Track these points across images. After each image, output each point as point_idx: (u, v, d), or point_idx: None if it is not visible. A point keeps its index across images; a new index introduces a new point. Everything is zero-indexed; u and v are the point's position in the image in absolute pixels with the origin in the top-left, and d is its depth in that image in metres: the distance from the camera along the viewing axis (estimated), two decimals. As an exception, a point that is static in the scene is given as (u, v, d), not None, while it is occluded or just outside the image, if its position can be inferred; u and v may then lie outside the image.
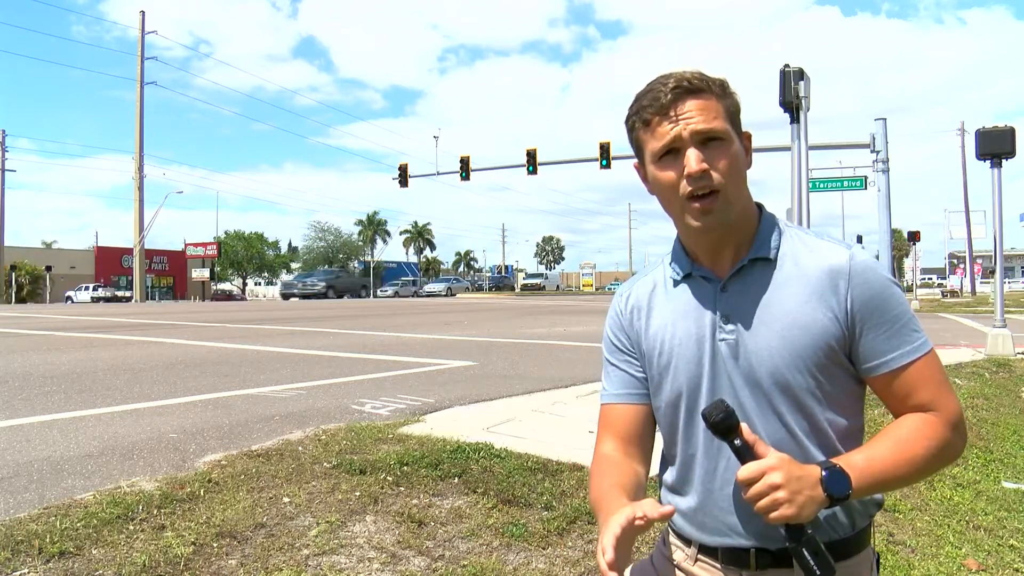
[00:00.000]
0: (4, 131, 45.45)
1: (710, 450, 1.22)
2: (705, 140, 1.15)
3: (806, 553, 1.07)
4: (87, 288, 46.80)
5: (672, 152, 1.17)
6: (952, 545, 3.25)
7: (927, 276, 74.40)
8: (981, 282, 48.78)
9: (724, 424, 1.10)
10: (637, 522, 1.05)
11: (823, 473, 1.09)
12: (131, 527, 2.78)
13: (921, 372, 1.18)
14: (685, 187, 1.16)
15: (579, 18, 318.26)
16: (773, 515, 1.05)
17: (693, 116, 1.15)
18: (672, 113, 1.16)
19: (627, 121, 1.24)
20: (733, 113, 1.20)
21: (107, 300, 43.64)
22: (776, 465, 1.06)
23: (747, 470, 1.07)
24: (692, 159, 1.14)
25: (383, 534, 2.84)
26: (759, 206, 1.27)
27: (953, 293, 45.44)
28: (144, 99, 45.97)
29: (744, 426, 1.12)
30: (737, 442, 1.10)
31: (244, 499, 3.10)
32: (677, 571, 1.30)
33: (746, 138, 1.23)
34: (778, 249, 1.22)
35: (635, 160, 1.29)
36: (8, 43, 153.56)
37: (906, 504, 3.68)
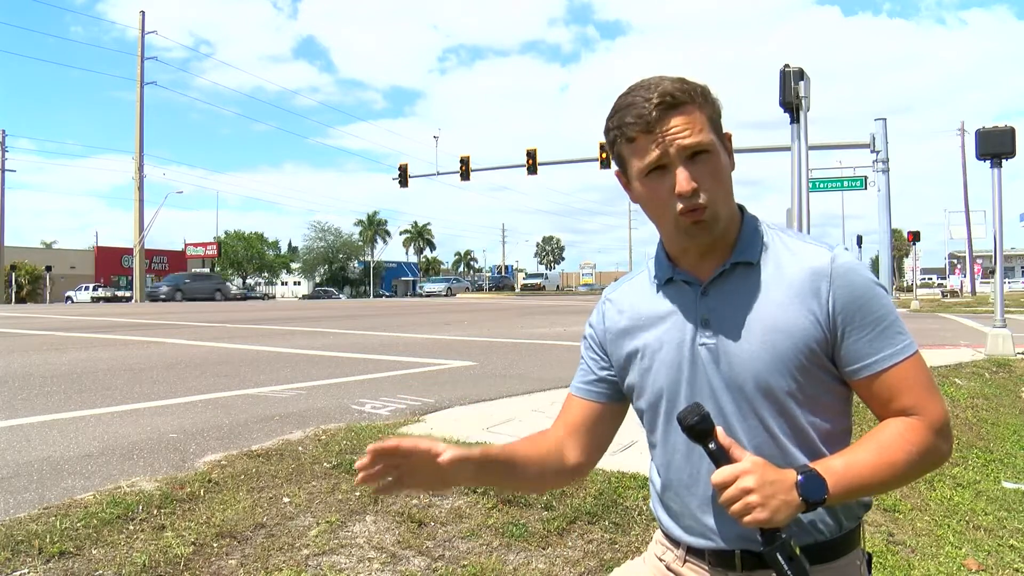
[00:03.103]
0: (4, 131, 45.46)
1: (692, 454, 1.21)
2: (692, 155, 1.14)
3: (780, 558, 1.06)
4: (87, 288, 46.77)
5: (659, 168, 1.15)
6: (952, 545, 3.26)
7: (927, 276, 74.32)
8: (981, 282, 48.76)
9: (699, 427, 1.09)
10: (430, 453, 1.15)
11: (799, 478, 1.08)
12: (131, 527, 2.78)
13: (905, 375, 1.16)
14: (675, 205, 1.15)
15: (578, 18, 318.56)
16: (746, 519, 1.05)
17: (679, 132, 1.13)
18: (657, 130, 1.13)
19: (608, 133, 1.21)
20: (715, 120, 1.18)
21: (107, 300, 43.66)
22: (749, 469, 1.06)
23: (720, 474, 1.07)
24: (682, 179, 1.13)
25: (383, 534, 2.84)
26: (741, 208, 1.26)
27: (953, 293, 45.41)
28: (144, 99, 45.86)
29: (719, 429, 1.11)
30: (712, 445, 1.10)
31: (244, 499, 3.10)
32: (667, 572, 1.31)
33: (727, 139, 1.21)
34: (760, 252, 1.21)
35: (616, 168, 1.27)
36: (8, 43, 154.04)
37: (906, 504, 3.68)
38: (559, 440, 1.35)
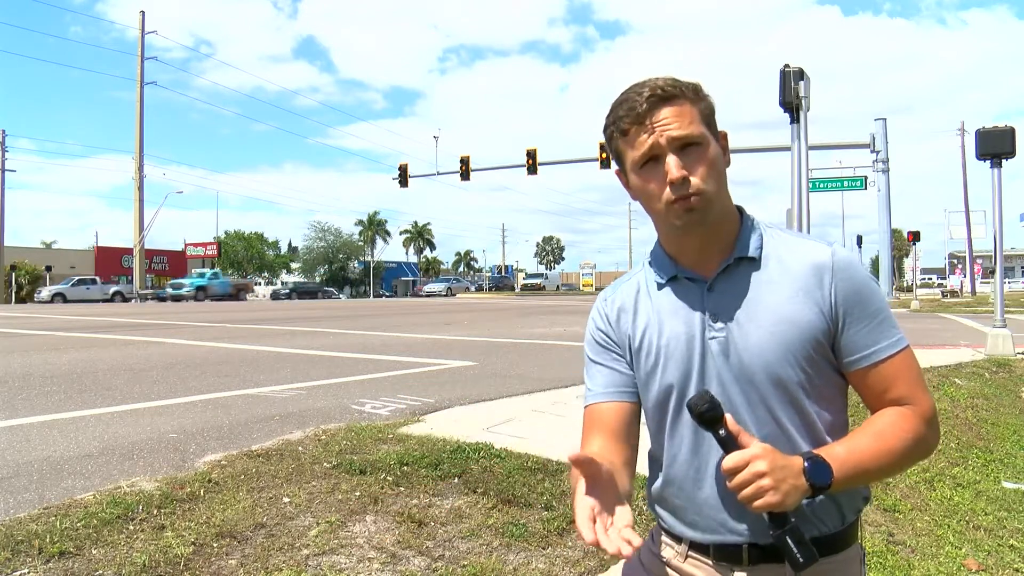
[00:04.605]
0: (4, 131, 45.44)
1: (699, 448, 1.24)
2: (683, 146, 1.17)
3: (790, 541, 1.08)
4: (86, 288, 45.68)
5: (652, 160, 1.19)
6: (952, 545, 3.26)
7: (927, 276, 74.37)
8: (981, 282, 48.78)
9: (709, 414, 1.11)
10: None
11: (805, 463, 1.11)
12: (131, 527, 2.78)
13: (899, 367, 1.21)
14: (668, 194, 1.18)
15: (578, 18, 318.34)
16: (758, 503, 1.07)
17: (670, 123, 1.17)
18: (648, 122, 1.18)
19: (605, 130, 1.26)
20: (708, 115, 1.22)
21: (108, 300, 43.19)
22: (760, 454, 1.08)
23: (732, 459, 1.09)
24: (672, 166, 1.16)
25: (383, 534, 2.84)
26: (739, 209, 1.30)
27: (953, 293, 45.42)
28: (144, 99, 46.03)
29: (728, 416, 1.13)
30: (722, 432, 1.12)
31: (244, 499, 3.10)
32: (667, 569, 1.31)
33: (722, 137, 1.25)
34: (761, 248, 1.25)
35: (615, 167, 1.30)
36: (8, 43, 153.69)
37: (906, 504, 3.68)
38: (615, 455, 1.25)
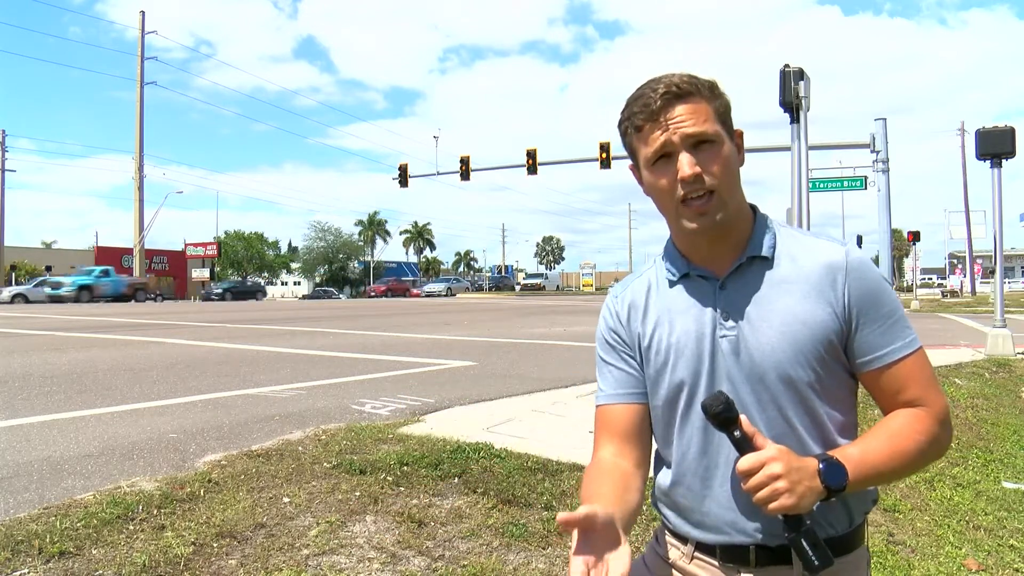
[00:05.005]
0: (4, 131, 45.46)
1: (708, 447, 1.23)
2: (697, 143, 1.17)
3: (805, 544, 1.08)
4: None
5: (665, 157, 1.18)
6: (952, 545, 3.25)
7: (927, 276, 74.42)
8: (981, 282, 48.79)
9: (724, 416, 1.11)
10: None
11: (820, 465, 1.10)
12: (131, 527, 2.78)
13: (912, 368, 1.20)
14: (679, 191, 1.18)
15: (578, 18, 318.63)
16: (773, 505, 1.07)
17: (684, 121, 1.16)
18: (662, 119, 1.17)
19: (620, 126, 1.26)
20: (723, 113, 1.21)
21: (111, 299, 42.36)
22: (776, 456, 1.08)
23: (747, 461, 1.08)
24: (685, 164, 1.16)
25: (383, 534, 2.84)
26: (753, 207, 1.29)
27: (953, 293, 45.42)
28: (144, 99, 46.13)
29: (743, 418, 1.13)
30: (737, 433, 1.11)
31: (244, 499, 3.10)
32: (672, 570, 1.31)
33: (738, 136, 1.24)
34: (774, 247, 1.24)
35: (630, 163, 1.30)
36: (8, 43, 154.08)
37: (906, 504, 3.68)
38: (625, 462, 1.27)
